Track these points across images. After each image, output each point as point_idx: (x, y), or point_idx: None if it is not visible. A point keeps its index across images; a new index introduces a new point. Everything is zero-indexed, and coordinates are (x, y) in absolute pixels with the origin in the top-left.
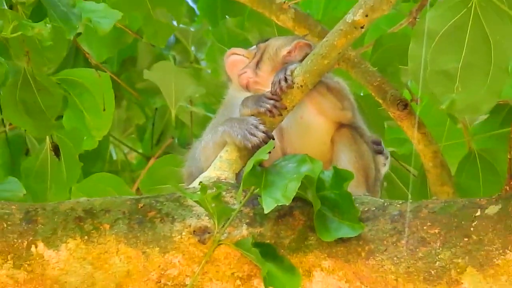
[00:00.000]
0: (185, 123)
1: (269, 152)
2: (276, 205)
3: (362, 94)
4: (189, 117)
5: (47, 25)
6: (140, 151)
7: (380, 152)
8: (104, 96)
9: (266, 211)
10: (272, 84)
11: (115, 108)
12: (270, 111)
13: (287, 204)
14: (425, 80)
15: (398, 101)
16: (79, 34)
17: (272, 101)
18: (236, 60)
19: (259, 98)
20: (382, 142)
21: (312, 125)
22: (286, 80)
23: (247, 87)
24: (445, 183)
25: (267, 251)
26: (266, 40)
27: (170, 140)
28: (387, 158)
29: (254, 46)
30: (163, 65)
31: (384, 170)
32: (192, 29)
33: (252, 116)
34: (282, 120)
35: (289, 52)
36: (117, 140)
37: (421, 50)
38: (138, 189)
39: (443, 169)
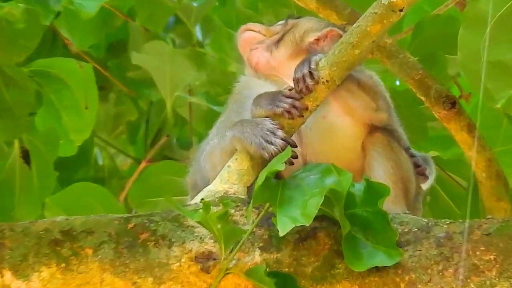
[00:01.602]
0: (186, 119)
1: (292, 164)
2: (293, 226)
3: (398, 84)
4: (188, 111)
5: (19, 4)
6: (132, 154)
7: (422, 173)
8: (86, 91)
9: (281, 234)
10: (294, 80)
11: (101, 102)
12: (289, 112)
13: (308, 225)
14: (478, 74)
15: (444, 98)
16: (58, 15)
17: (290, 100)
18: (251, 37)
19: (275, 96)
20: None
21: (337, 127)
22: (311, 75)
23: (256, 68)
24: (501, 198)
25: (285, 282)
26: (298, 18)
27: (165, 138)
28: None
29: (281, 22)
30: (155, 46)
31: (428, 183)
32: (195, 5)
33: (267, 119)
34: (304, 123)
35: (317, 40)
36: (104, 141)
37: (473, 37)
38: (126, 200)
39: (499, 181)
